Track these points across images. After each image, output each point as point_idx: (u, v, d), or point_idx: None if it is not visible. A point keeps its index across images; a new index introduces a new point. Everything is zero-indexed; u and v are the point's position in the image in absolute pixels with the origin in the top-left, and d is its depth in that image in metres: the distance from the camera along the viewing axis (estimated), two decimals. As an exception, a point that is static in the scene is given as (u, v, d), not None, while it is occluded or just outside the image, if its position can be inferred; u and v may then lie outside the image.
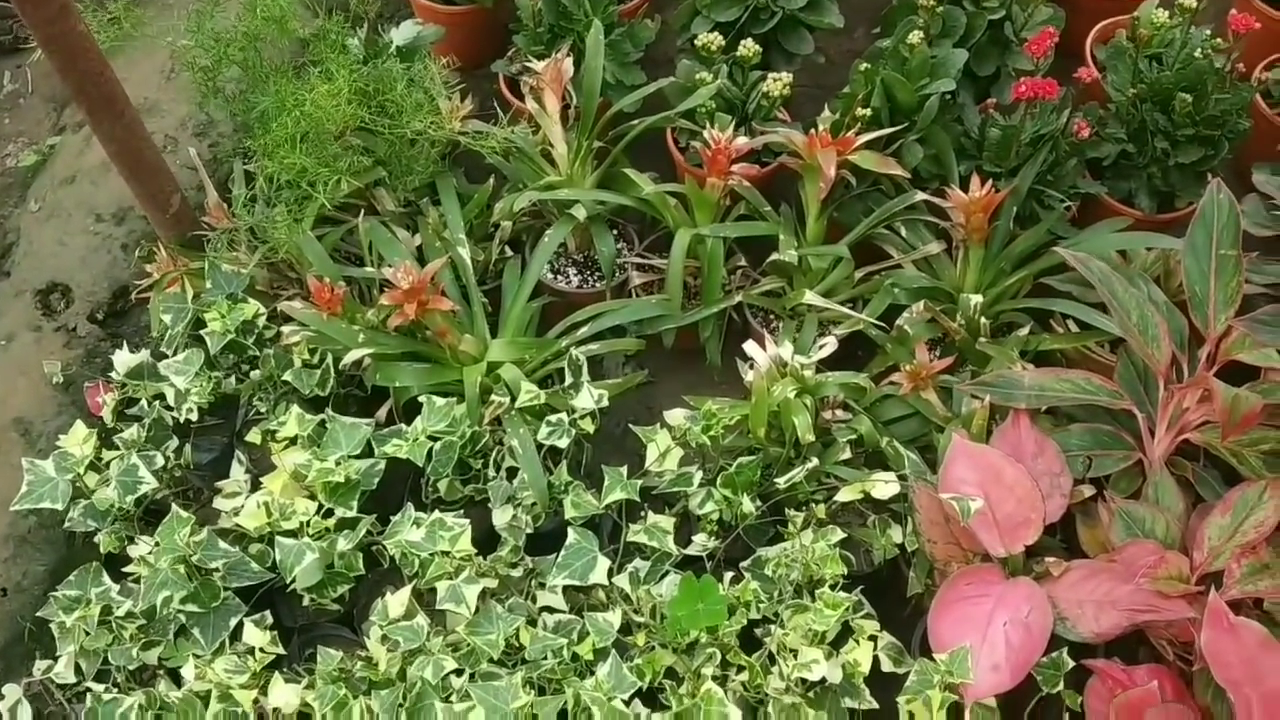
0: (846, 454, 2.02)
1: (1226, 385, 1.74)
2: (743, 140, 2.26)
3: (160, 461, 2.01)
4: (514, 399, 2.03)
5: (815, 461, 1.98)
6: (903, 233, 2.29)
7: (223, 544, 1.84)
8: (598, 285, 2.35)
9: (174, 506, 1.86)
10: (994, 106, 2.31)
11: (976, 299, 2.12)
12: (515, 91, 2.55)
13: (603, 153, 2.40)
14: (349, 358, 2.08)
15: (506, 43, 2.58)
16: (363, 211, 2.28)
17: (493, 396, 2.03)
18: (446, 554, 1.78)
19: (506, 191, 2.39)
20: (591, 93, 2.32)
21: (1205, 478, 1.92)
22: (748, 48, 2.33)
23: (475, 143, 2.32)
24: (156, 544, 1.82)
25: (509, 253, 2.37)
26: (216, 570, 1.82)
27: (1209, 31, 2.34)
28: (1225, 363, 1.88)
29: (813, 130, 2.24)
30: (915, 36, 2.21)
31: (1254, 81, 2.46)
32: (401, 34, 2.51)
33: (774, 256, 2.26)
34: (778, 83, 2.33)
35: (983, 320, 2.12)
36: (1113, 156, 2.30)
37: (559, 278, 2.39)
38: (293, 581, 1.83)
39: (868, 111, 2.23)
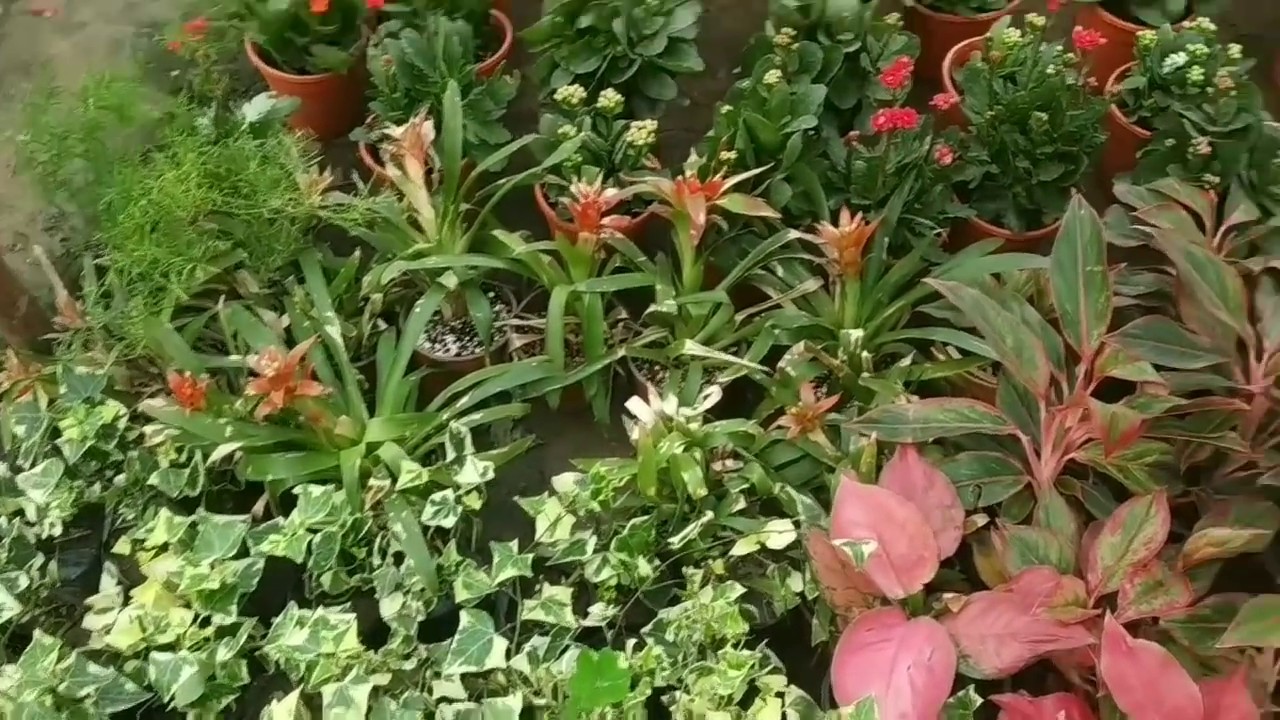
0: (741, 504, 1.98)
1: (1104, 404, 1.74)
2: (611, 192, 2.23)
3: (25, 583, 1.90)
4: (395, 480, 1.96)
5: (710, 515, 1.94)
6: (779, 272, 2.27)
7: (93, 667, 1.74)
8: (477, 351, 2.30)
9: (36, 633, 1.75)
10: (858, 138, 2.31)
11: (857, 334, 2.11)
12: (378, 158, 2.49)
13: (472, 214, 2.35)
14: (217, 454, 1.99)
15: (365, 109, 2.52)
16: (223, 297, 2.19)
17: (372, 481, 1.95)
18: (331, 655, 1.70)
19: (375, 262, 2.32)
20: (453, 155, 2.27)
21: (1095, 495, 1.92)
22: (609, 98, 2.31)
23: (337, 216, 2.25)
24: (20, 676, 1.71)
25: (383, 325, 2.30)
26: (88, 697, 1.72)
27: (1060, 47, 2.38)
28: (1103, 379, 1.89)
29: (680, 177, 2.22)
30: (772, 76, 2.20)
31: (1107, 93, 2.50)
32: (255, 109, 2.44)
33: (653, 308, 2.22)
34: (642, 131, 2.30)
35: (864, 355, 2.11)
36: (978, 178, 2.32)
37: (437, 346, 2.33)
38: (173, 699, 1.73)
39: (733, 154, 2.21)
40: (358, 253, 2.32)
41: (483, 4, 2.57)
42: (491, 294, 2.38)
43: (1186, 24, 2.41)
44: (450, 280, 2.19)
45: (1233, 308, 1.87)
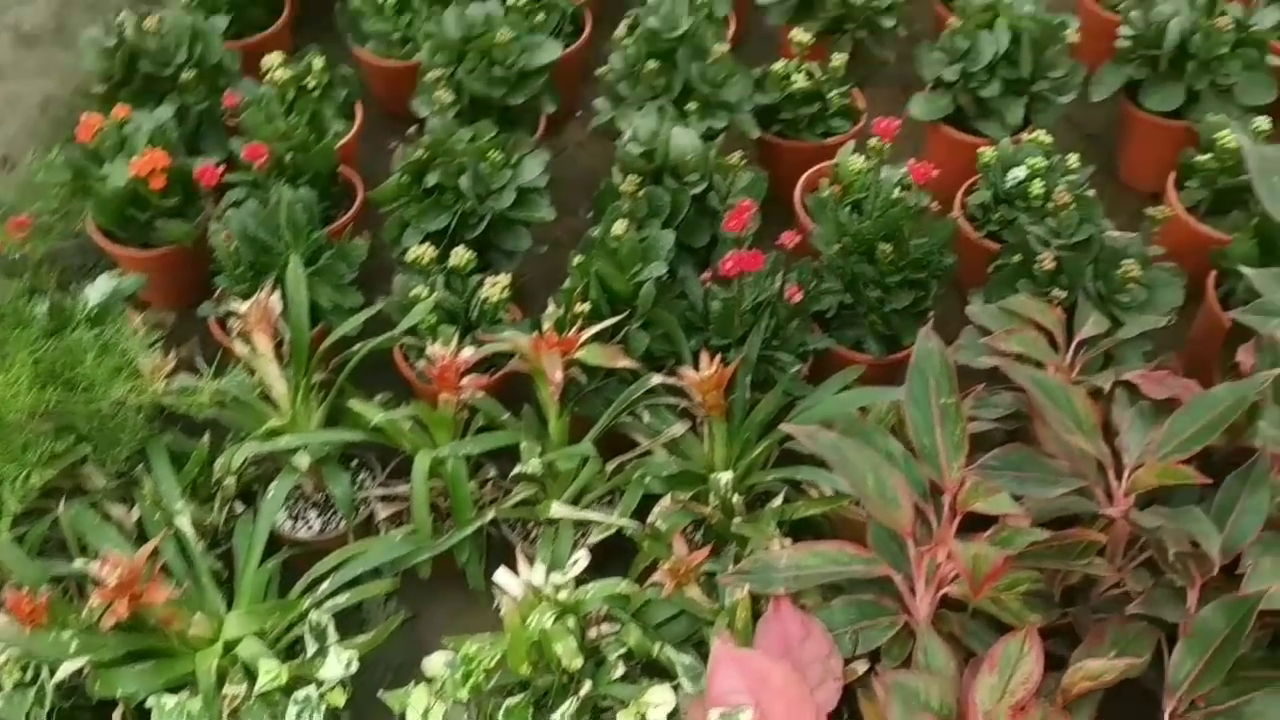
0: (620, 669, 1.92)
1: (965, 544, 1.72)
2: (469, 352, 2.19)
3: None
4: (254, 682, 1.86)
5: (589, 685, 1.87)
6: (646, 418, 2.24)
7: None
8: (341, 527, 2.22)
9: None
10: (713, 278, 2.31)
11: (726, 477, 2.08)
12: (229, 331, 2.42)
13: (329, 383, 2.29)
14: (62, 671, 1.87)
15: (214, 280, 2.46)
16: (64, 498, 2.09)
17: (227, 688, 1.85)
18: None
19: (228, 443, 2.24)
20: (300, 328, 2.22)
21: (973, 629, 1.89)
22: (460, 256, 2.28)
23: (183, 402, 2.18)
24: None
25: (240, 509, 2.21)
26: None
27: (906, 169, 2.42)
28: (967, 511, 1.87)
29: (537, 333, 2.19)
30: (619, 227, 2.19)
31: (957, 208, 2.54)
32: (98, 290, 2.37)
33: (518, 468, 2.17)
34: (496, 287, 2.27)
35: (736, 498, 2.08)
36: (834, 308, 2.32)
37: (299, 524, 2.25)
38: None
39: (588, 306, 2.19)
40: (208, 436, 2.24)
41: (328, 165, 2.53)
42: (355, 462, 2.31)
43: (1025, 135, 2.46)
44: (303, 460, 2.12)
45: (1087, 430, 1.88)
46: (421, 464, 2.15)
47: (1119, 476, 1.91)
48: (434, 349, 2.19)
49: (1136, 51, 2.63)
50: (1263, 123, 2.42)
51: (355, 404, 2.21)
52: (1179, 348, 2.51)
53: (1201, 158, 2.44)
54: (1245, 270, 2.17)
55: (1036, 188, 2.33)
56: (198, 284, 2.57)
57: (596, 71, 2.62)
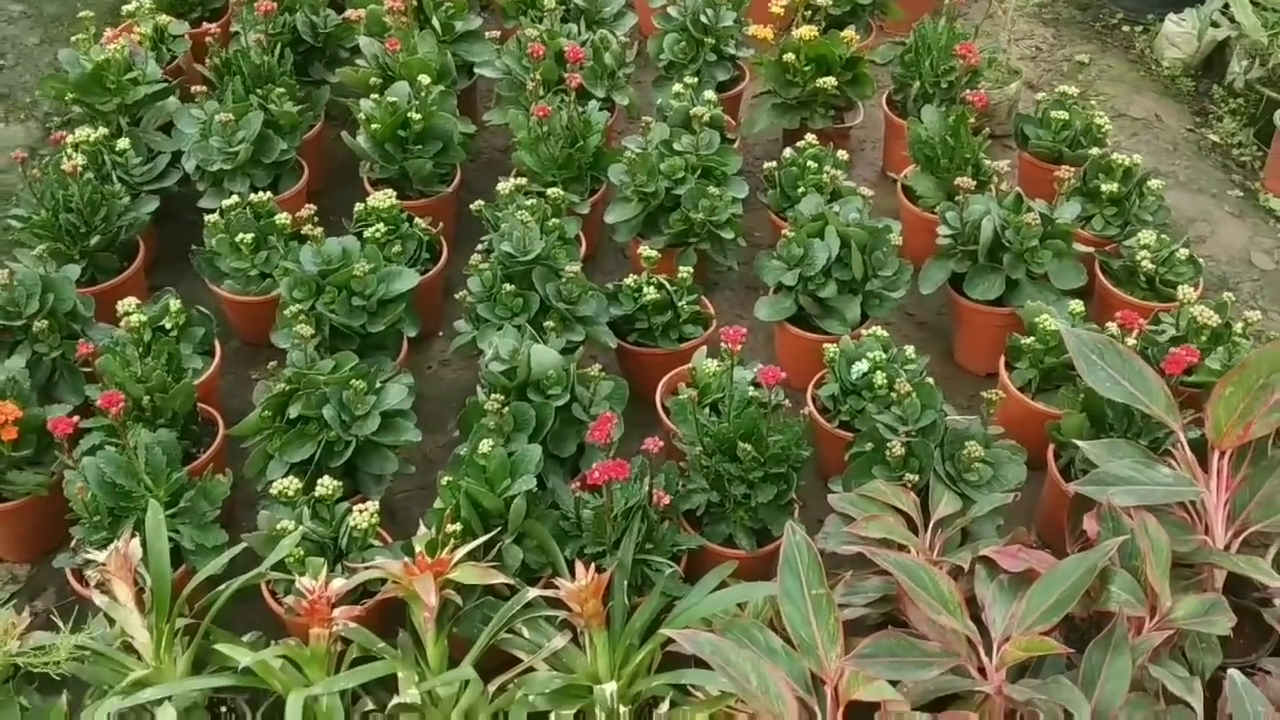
0: None
1: (850, 736, 1.74)
2: (339, 583, 2.15)
3: None
4: None
5: None
6: (526, 634, 2.22)
7: None
8: (212, 781, 2.11)
9: None
10: (583, 486, 2.35)
11: (611, 688, 2.06)
12: (86, 582, 2.33)
13: (195, 627, 2.21)
14: None
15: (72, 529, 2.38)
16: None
17: None
18: None
19: (90, 698, 2.13)
20: (162, 574, 2.15)
21: (868, 822, 1.89)
22: (326, 486, 2.27)
23: (39, 660, 2.07)
24: None
25: (103, 772, 2.08)
26: None
27: (755, 372, 2.53)
28: (851, 702, 1.90)
29: (406, 559, 2.17)
30: (486, 445, 2.23)
31: (809, 400, 2.66)
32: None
33: (396, 699, 2.11)
34: (364, 514, 2.26)
35: (623, 709, 2.06)
36: (703, 505, 2.38)
37: (167, 783, 2.12)
38: None
39: (458, 526, 2.19)
40: (65, 694, 2.13)
41: (187, 405, 2.52)
42: (224, 709, 2.21)
43: (864, 331, 2.61)
44: (168, 714, 2.03)
45: (953, 610, 1.95)
46: (295, 705, 2.06)
47: (989, 652, 1.97)
48: (303, 582, 2.15)
49: (956, 248, 2.85)
50: (1077, 305, 2.63)
51: (222, 646, 2.13)
52: (1030, 517, 2.64)
53: (1026, 341, 2.63)
54: (1080, 444, 2.32)
55: (879, 379, 2.46)
56: (55, 533, 2.49)
57: (456, 295, 2.70)
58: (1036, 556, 2.13)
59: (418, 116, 3.03)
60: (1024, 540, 2.22)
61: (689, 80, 3.24)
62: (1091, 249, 2.92)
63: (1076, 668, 1.94)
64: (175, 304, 2.69)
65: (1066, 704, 1.80)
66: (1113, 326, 2.54)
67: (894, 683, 1.86)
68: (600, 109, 3.22)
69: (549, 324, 2.55)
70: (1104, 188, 3.00)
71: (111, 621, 2.17)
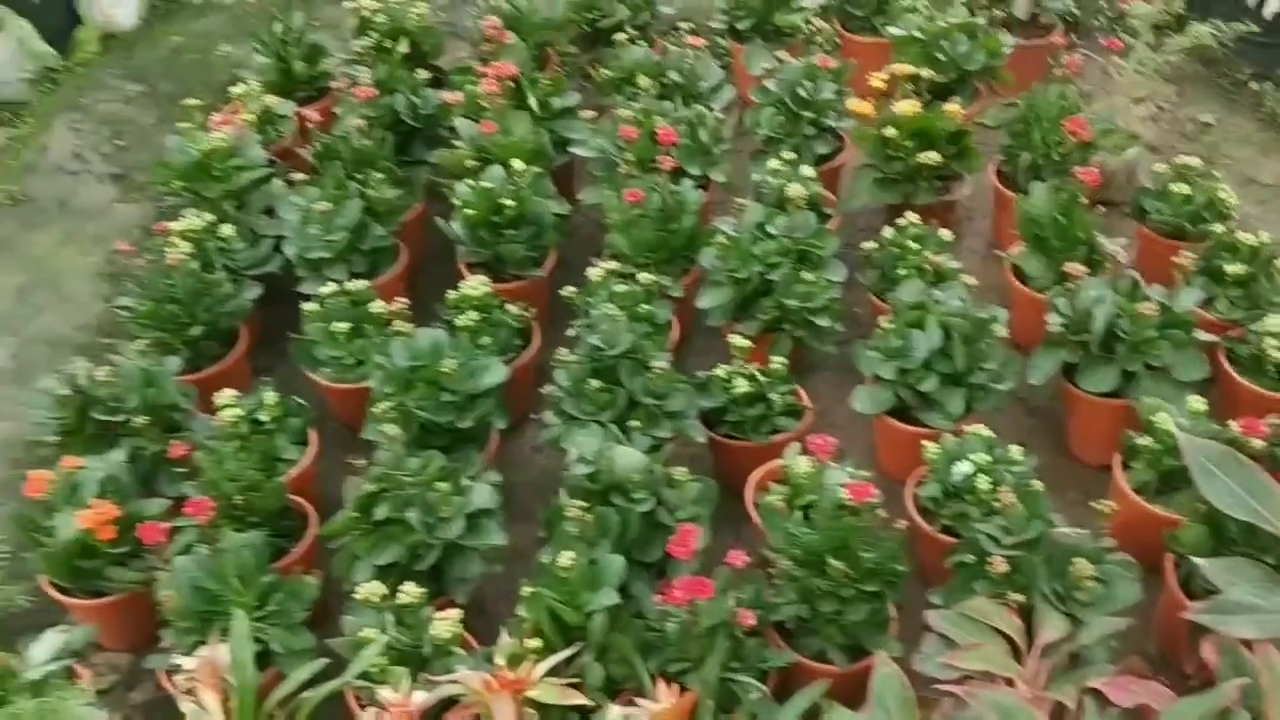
0: None
1: None
2: (421, 696, 2.13)
3: None
4: None
5: None
6: (607, 753, 2.16)
7: None
8: None
9: None
10: (668, 596, 2.28)
11: (692, 818, 1.99)
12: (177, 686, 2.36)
13: (281, 734, 2.22)
14: None
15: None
16: None
17: None
18: None
19: (177, 808, 2.15)
20: (246, 686, 2.16)
21: None
22: (409, 593, 2.25)
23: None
24: None
25: None
26: None
27: (850, 470, 2.44)
28: None
29: (487, 675, 2.14)
30: (567, 558, 2.18)
31: (908, 499, 2.54)
32: (44, 648, 2.32)
33: (475, 822, 2.08)
34: (445, 623, 2.24)
35: (705, 842, 1.98)
36: (793, 619, 2.29)
37: None
38: None
39: (539, 642, 2.15)
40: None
41: (278, 502, 2.53)
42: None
43: (967, 428, 2.49)
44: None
45: (1055, 756, 1.82)
46: (375, 821, 2.05)
47: (1096, 800, 1.84)
48: (385, 695, 2.14)
49: (1067, 337, 2.71)
50: (1197, 404, 2.46)
51: (306, 760, 2.13)
52: (1147, 623, 2.47)
53: (1143, 440, 2.47)
54: (1198, 561, 2.17)
55: (983, 483, 2.34)
56: (154, 624, 2.51)
57: (543, 389, 2.67)
58: (1150, 690, 1.98)
59: (511, 202, 3.02)
60: (1136, 670, 2.07)
61: (786, 156, 3.17)
62: (1216, 337, 2.75)
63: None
64: (272, 397, 2.72)
65: None
66: (1234, 427, 2.37)
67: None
68: (695, 186, 3.17)
69: (634, 423, 2.50)
70: (1228, 269, 2.82)
71: (200, 729, 2.19)
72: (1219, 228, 2.91)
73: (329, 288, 2.92)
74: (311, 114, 3.40)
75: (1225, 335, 2.80)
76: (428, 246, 3.57)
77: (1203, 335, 2.70)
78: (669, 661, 2.23)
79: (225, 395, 2.66)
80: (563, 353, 2.65)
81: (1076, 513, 2.75)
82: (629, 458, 2.35)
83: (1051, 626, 2.13)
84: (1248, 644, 1.97)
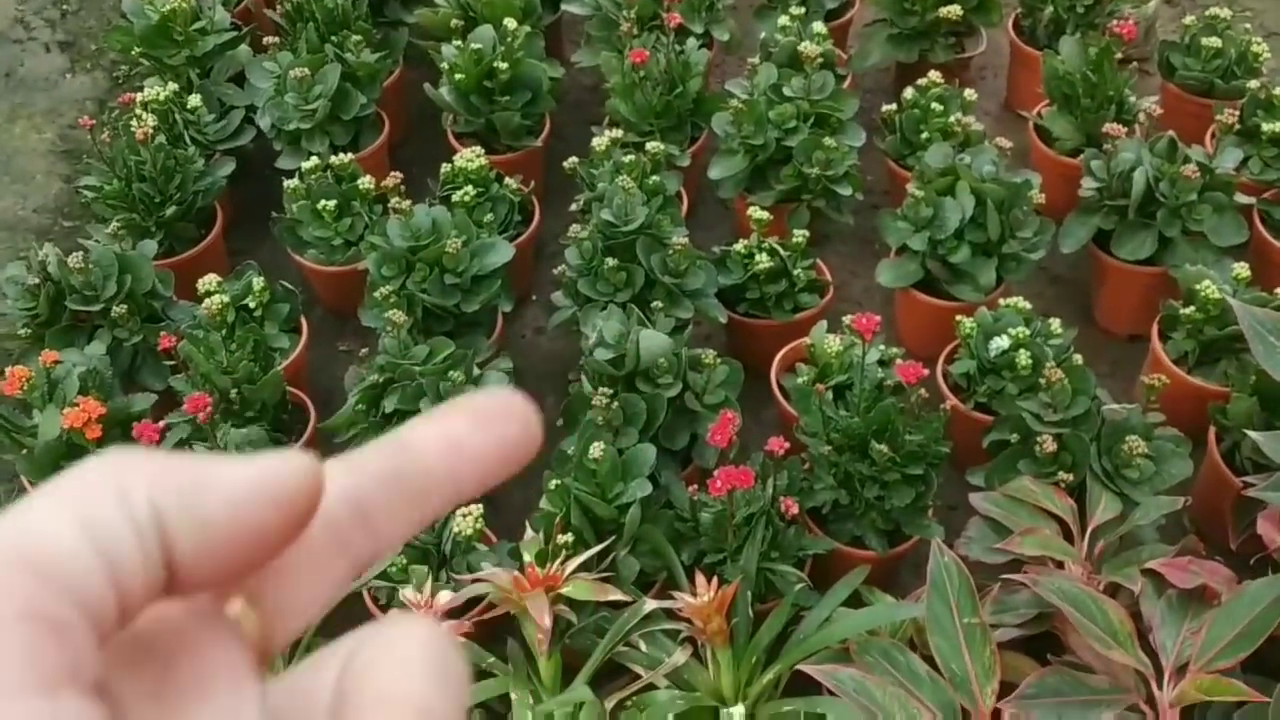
0: None
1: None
2: (446, 595, 2.02)
3: None
4: None
5: None
6: (644, 647, 2.08)
7: None
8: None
9: None
10: (700, 482, 2.17)
11: (739, 712, 1.92)
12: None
13: (297, 641, 2.10)
14: None
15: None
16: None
17: None
18: None
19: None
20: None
21: None
22: (426, 489, 2.12)
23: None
24: None
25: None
26: None
27: (883, 348, 2.32)
28: (1009, 744, 1.73)
29: (516, 572, 2.03)
30: (597, 450, 2.05)
31: (939, 376, 2.44)
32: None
33: (511, 723, 1.99)
34: (469, 519, 2.12)
35: (751, 736, 1.91)
36: (829, 504, 2.19)
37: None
38: None
39: (569, 537, 2.04)
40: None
41: (275, 394, 2.38)
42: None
43: (1002, 301, 2.38)
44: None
45: (1124, 642, 1.75)
46: (404, 726, 1.96)
47: (1159, 685, 1.78)
48: (407, 595, 2.03)
49: (1103, 202, 2.57)
50: (1242, 270, 2.36)
51: (327, 666, 2.02)
52: (1187, 502, 2.41)
53: (1185, 310, 2.37)
54: (1253, 435, 2.08)
55: (1023, 358, 2.23)
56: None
57: (555, 271, 2.50)
58: (1209, 569, 1.92)
59: (504, 65, 2.80)
60: (1193, 550, 2.00)
61: (795, 10, 2.96)
62: (1253, 199, 2.63)
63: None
64: (259, 281, 2.54)
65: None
66: (1285, 294, 2.27)
67: (1059, 726, 1.69)
68: (699, 46, 2.96)
69: (656, 304, 2.35)
70: (1264, 127, 2.69)
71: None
72: (1253, 84, 2.76)
73: (311, 162, 2.71)
74: (278, -30, 3.12)
75: (1261, 198, 2.68)
76: (409, 116, 3.34)
77: (1242, 199, 2.58)
78: (703, 553, 2.14)
79: (209, 280, 2.47)
80: (574, 229, 2.48)
81: (1107, 385, 2.67)
82: (654, 340, 2.21)
83: (1104, 507, 2.05)
84: (1312, 520, 1.90)
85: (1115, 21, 2.71)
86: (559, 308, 2.53)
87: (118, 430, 2.35)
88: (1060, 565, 1.99)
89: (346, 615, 2.03)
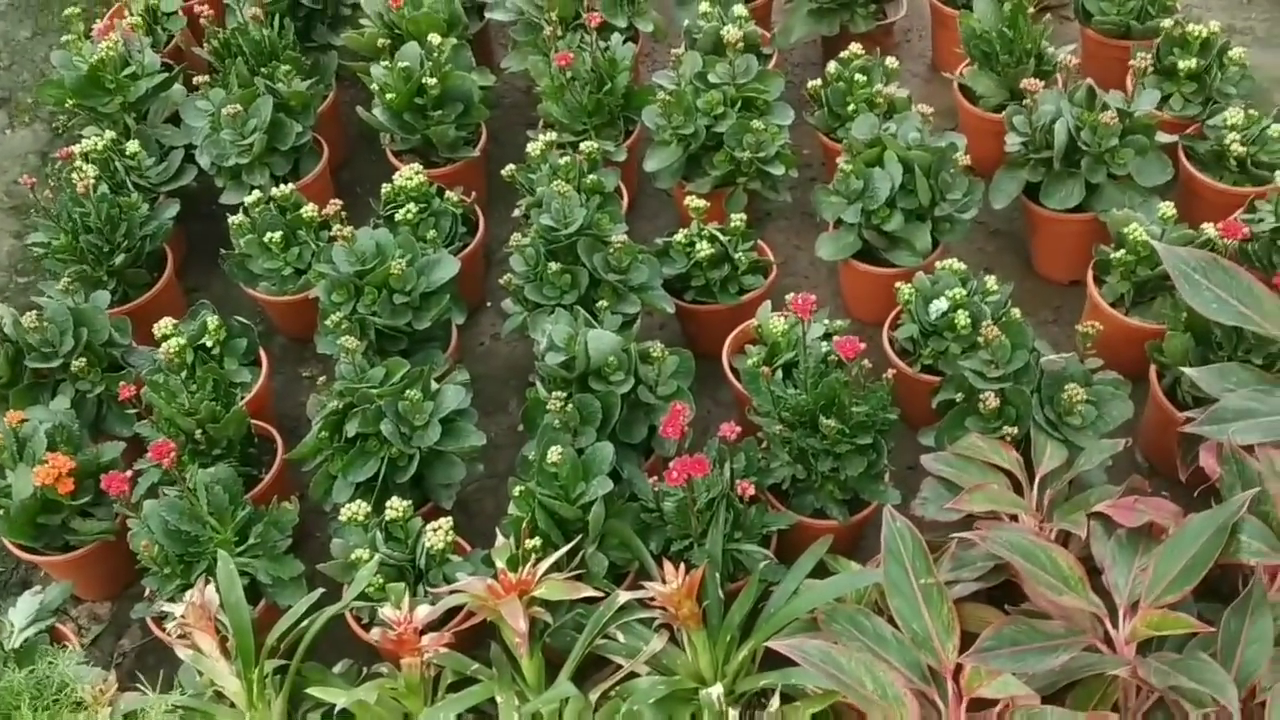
0: None
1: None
2: (425, 609, 2.07)
3: None
4: None
5: None
6: (621, 638, 2.14)
7: None
8: (324, 825, 2.07)
9: None
10: (663, 472, 2.23)
11: (717, 691, 1.98)
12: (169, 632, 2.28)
13: (285, 666, 2.16)
14: None
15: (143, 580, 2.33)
16: None
17: None
18: None
19: (189, 755, 2.10)
20: (241, 626, 2.08)
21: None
22: (396, 508, 2.17)
23: (132, 727, 2.03)
24: None
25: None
26: None
27: (826, 322, 2.38)
28: (974, 697, 1.79)
29: (489, 579, 2.08)
30: (555, 453, 2.11)
31: (885, 343, 2.49)
32: (22, 611, 2.24)
33: (499, 725, 2.05)
34: (439, 533, 2.17)
35: (732, 714, 1.97)
36: (788, 479, 2.25)
37: (280, 830, 2.10)
38: None
39: (537, 541, 2.09)
40: (165, 756, 2.09)
41: (239, 430, 2.42)
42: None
43: (938, 264, 2.43)
44: (267, 776, 1.98)
45: (1075, 586, 1.82)
46: (397, 742, 2.02)
47: (1114, 622, 1.84)
48: (387, 613, 2.07)
49: (1028, 155, 2.63)
50: (1167, 210, 2.42)
51: (316, 691, 2.07)
52: (1133, 436, 2.48)
53: (1116, 254, 2.43)
54: (1188, 371, 2.15)
55: (962, 319, 2.29)
56: (130, 570, 2.42)
57: (501, 281, 2.55)
58: (1154, 505, 1.98)
59: (433, 81, 2.84)
60: (1139, 489, 2.07)
61: (715, -6, 3.00)
62: (1174, 137, 2.69)
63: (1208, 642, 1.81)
64: (213, 320, 2.57)
65: (1209, 687, 1.67)
66: (1210, 230, 2.33)
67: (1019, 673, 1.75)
68: (624, 41, 3.00)
69: (601, 302, 2.40)
70: (1181, 64, 2.75)
71: (200, 671, 2.12)
72: (1166, 22, 2.82)
73: (253, 196, 2.74)
74: (201, 8, 3.13)
75: (1183, 134, 2.74)
76: (348, 137, 3.38)
77: (1163, 138, 2.64)
78: (670, 541, 2.20)
79: (164, 325, 2.51)
80: (515, 238, 2.53)
81: (1050, 332, 2.75)
82: (602, 340, 2.26)
83: (1050, 456, 2.11)
84: (1248, 449, 1.96)
85: (1023, -24, 2.76)
86: (511, 314, 2.57)
87: (91, 482, 2.39)
88: (1014, 518, 2.06)
89: (332, 638, 2.10)
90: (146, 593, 2.28)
